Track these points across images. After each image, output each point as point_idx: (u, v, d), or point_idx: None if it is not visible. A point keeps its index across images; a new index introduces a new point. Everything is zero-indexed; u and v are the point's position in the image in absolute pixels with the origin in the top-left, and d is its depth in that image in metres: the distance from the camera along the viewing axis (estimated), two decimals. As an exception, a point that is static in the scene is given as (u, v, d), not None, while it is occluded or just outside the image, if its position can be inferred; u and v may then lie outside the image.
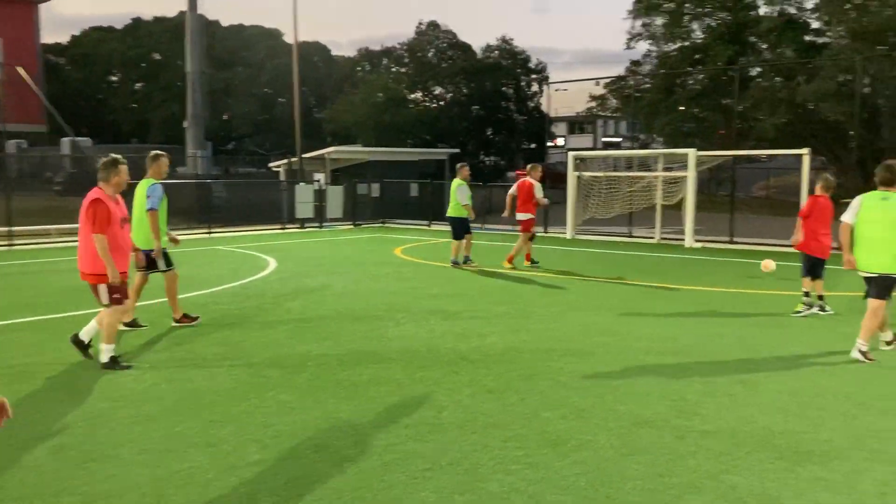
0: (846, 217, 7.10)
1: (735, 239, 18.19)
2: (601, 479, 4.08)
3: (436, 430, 4.84)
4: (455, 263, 13.38)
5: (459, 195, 13.36)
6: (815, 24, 32.96)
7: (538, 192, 13.48)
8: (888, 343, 7.30)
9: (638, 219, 20.27)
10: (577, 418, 5.09)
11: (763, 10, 32.91)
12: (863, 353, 6.79)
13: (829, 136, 31.97)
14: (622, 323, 8.42)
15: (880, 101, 30.82)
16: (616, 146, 59.30)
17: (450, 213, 13.61)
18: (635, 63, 37.94)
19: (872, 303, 6.86)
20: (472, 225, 13.78)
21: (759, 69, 32.17)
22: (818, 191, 9.25)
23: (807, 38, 32.79)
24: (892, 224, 6.74)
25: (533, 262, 13.55)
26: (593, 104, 39.77)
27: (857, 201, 7.04)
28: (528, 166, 14.13)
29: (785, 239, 16.50)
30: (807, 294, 9.18)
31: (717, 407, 5.34)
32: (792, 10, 32.04)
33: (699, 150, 19.08)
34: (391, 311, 9.02)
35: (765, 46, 32.88)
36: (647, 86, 35.58)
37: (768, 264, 10.72)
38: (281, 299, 9.90)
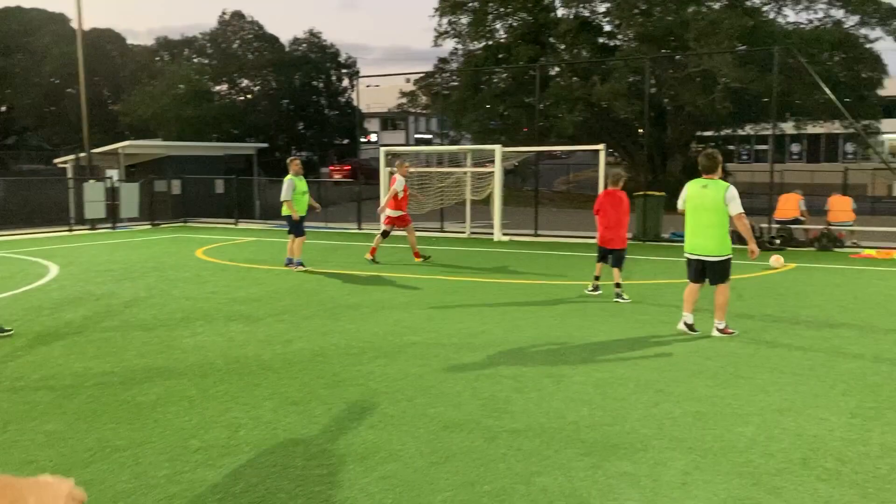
0: (679, 205, 7.60)
1: (539, 232, 18.85)
2: (410, 493, 3.81)
3: (230, 453, 4.36)
4: (297, 264, 12.44)
5: (282, 192, 12.39)
6: (607, 28, 35.14)
7: (397, 185, 13.35)
8: (689, 325, 7.65)
9: (450, 214, 20.48)
10: (386, 426, 4.80)
11: (560, 13, 34.57)
12: (720, 331, 7.36)
13: (622, 133, 34.26)
14: (434, 319, 8.27)
15: (665, 101, 33.44)
16: (428, 142, 60.17)
17: (283, 211, 12.56)
18: (443, 61, 38.55)
19: (718, 288, 7.42)
20: (305, 225, 12.77)
21: (557, 69, 33.75)
22: (609, 185, 9.71)
23: (600, 40, 34.88)
24: (714, 209, 7.22)
25: (374, 260, 13.30)
26: (404, 100, 39.98)
27: (683, 189, 7.55)
28: (397, 161, 14.27)
29: (585, 231, 17.36)
30: (597, 278, 9.91)
31: (525, 403, 5.26)
32: (586, 13, 33.90)
33: (505, 146, 19.57)
34: (187, 320, 8.29)
35: (562, 47, 34.53)
36: (455, 83, 36.28)
37: (779, 259, 12.90)
38: (59, 311, 8.82)
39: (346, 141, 49.61)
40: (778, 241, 15.91)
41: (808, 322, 8.18)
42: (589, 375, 5.99)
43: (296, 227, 12.47)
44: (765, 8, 33.86)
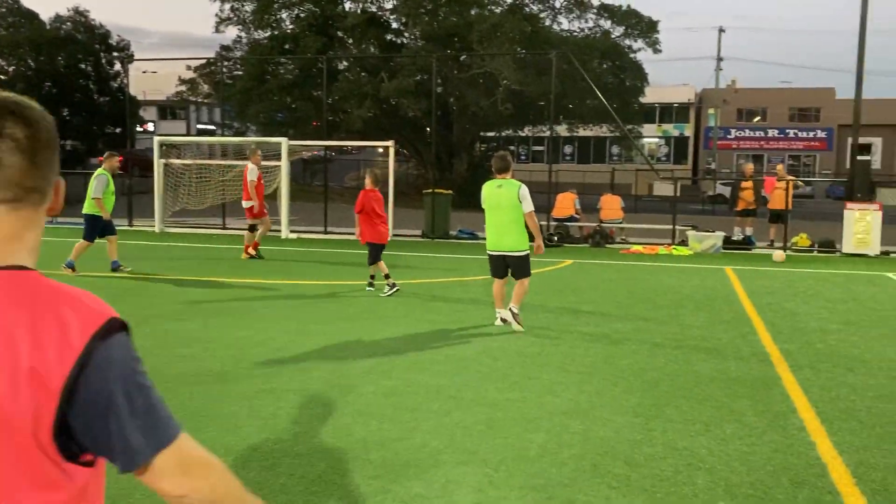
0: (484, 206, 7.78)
1: (329, 229, 18.38)
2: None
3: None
4: (69, 266, 10.86)
5: (93, 187, 10.93)
6: (395, 24, 35.26)
7: (251, 174, 13.15)
8: (505, 321, 7.73)
9: (233, 210, 19.40)
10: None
11: (349, 6, 34.18)
12: (514, 314, 7.57)
13: (411, 131, 34.54)
14: (212, 328, 7.57)
15: (451, 101, 34.20)
16: (211, 133, 57.31)
17: (85, 209, 11.07)
18: (226, 48, 36.70)
19: (520, 282, 7.69)
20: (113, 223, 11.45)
21: (346, 63, 33.37)
22: (368, 185, 9.79)
23: (388, 36, 34.91)
24: (510, 207, 7.49)
25: (257, 255, 13.13)
26: (183, 88, 37.62)
27: (482, 191, 7.77)
28: (249, 150, 14.43)
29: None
30: (372, 276, 9.94)
31: (310, 421, 4.83)
32: (374, 9, 33.78)
33: (293, 139, 18.87)
34: None
35: (351, 41, 34.19)
36: (240, 72, 34.69)
37: (780, 255, 14.12)
38: None
39: (118, 129, 45.85)
40: (556, 238, 16.67)
41: (587, 318, 8.46)
42: (379, 384, 5.67)
43: (93, 230, 11.07)
44: (542, 14, 35.71)
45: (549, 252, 15.27)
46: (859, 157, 15.27)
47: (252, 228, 13.31)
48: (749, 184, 16.66)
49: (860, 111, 16.22)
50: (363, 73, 32.53)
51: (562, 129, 41.84)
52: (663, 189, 38.45)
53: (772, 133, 64.07)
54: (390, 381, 5.77)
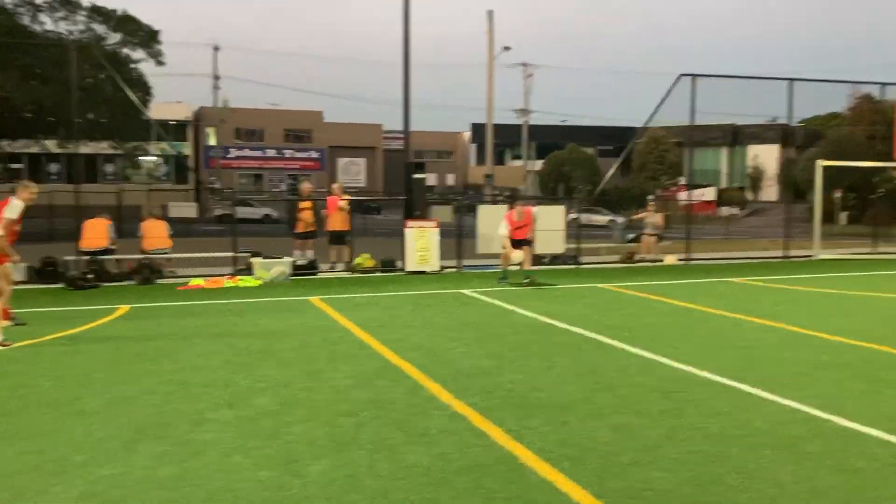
0: None
1: None
2: None
3: None
4: None
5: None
6: None
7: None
8: None
9: None
10: None
11: None
12: None
13: None
14: None
15: None
16: None
17: None
18: None
19: None
20: None
21: None
22: None
23: None
24: None
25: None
26: None
27: None
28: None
29: None
30: None
31: None
32: None
33: None
34: None
35: None
36: None
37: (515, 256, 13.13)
38: None
39: None
40: (91, 277, 13.36)
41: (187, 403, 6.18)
42: None
43: None
44: (20, 10, 30.09)
45: (89, 296, 12.05)
46: (415, 176, 15.44)
47: None
48: (308, 204, 15.65)
49: (409, 136, 16.45)
50: None
51: (51, 145, 36.09)
52: (181, 211, 35.74)
53: (270, 153, 65.77)
54: None
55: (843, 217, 35.95)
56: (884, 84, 23.97)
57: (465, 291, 12.64)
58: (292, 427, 5.35)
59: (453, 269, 15.74)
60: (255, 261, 14.22)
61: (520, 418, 5.54)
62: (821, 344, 8.34)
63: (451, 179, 74.83)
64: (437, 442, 5.02)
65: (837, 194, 32.32)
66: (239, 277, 13.81)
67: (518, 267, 13.47)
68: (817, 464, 4.62)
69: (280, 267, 14.11)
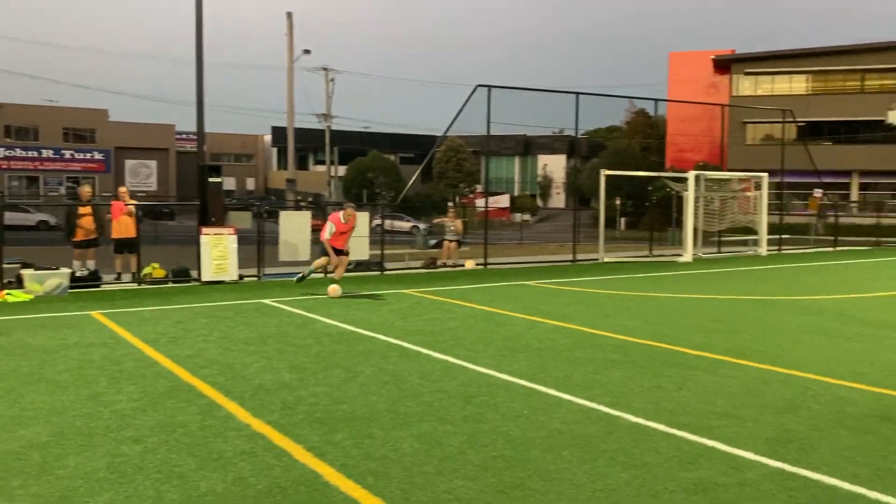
0: None
1: None
2: None
3: None
4: None
5: None
6: None
7: None
8: None
9: None
10: None
11: None
12: None
13: None
14: None
15: None
16: None
17: None
18: None
19: None
20: None
21: None
22: None
23: None
24: None
25: None
26: None
27: None
28: None
29: None
30: None
31: None
32: None
33: None
34: None
35: None
36: None
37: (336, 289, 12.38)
38: None
39: None
40: None
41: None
42: None
43: None
44: None
45: None
46: (211, 180, 14.61)
47: None
48: (88, 209, 14.34)
49: (203, 137, 15.53)
50: None
51: None
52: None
53: (46, 153, 60.20)
54: None
55: (622, 222, 39.00)
56: (657, 100, 26.32)
57: (266, 301, 12.15)
58: (66, 459, 4.77)
59: (254, 278, 15.13)
60: (26, 272, 12.79)
61: (323, 433, 5.33)
62: (609, 343, 8.86)
63: (251, 184, 72.57)
64: (234, 465, 4.69)
65: (618, 201, 34.98)
66: (6, 291, 12.34)
67: (323, 275, 13.16)
68: (611, 460, 4.83)
69: (56, 279, 12.79)
